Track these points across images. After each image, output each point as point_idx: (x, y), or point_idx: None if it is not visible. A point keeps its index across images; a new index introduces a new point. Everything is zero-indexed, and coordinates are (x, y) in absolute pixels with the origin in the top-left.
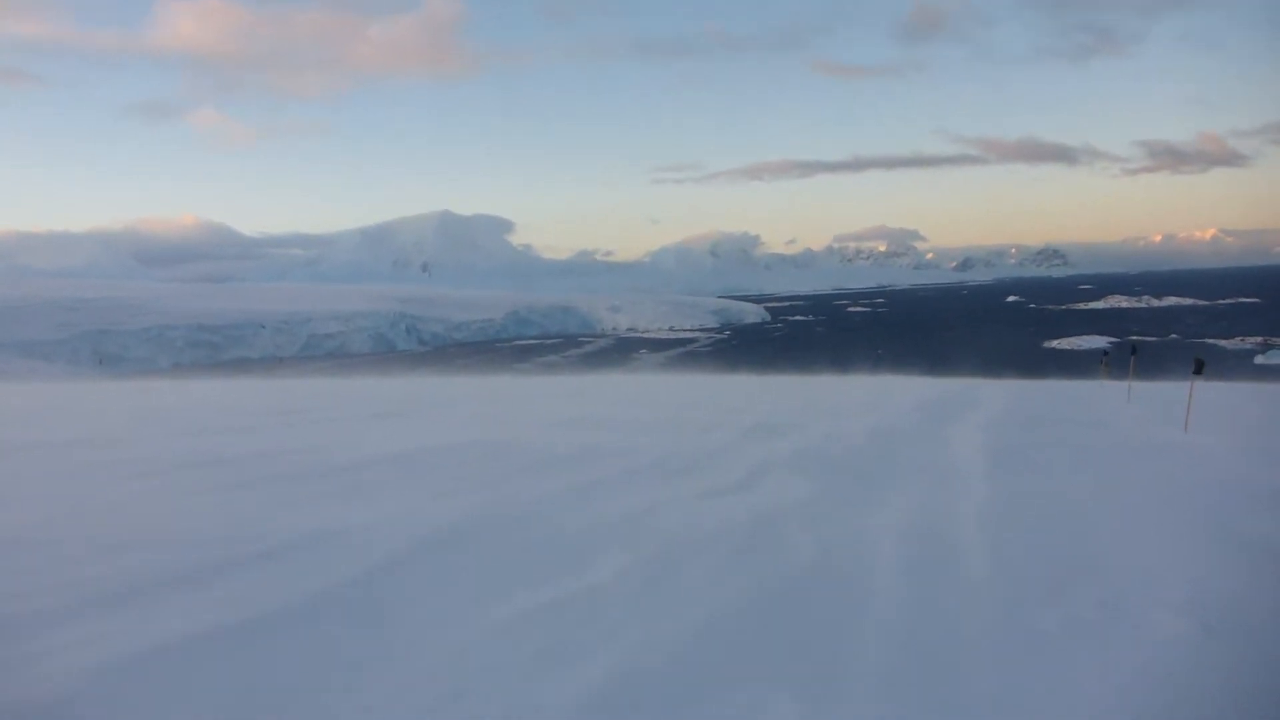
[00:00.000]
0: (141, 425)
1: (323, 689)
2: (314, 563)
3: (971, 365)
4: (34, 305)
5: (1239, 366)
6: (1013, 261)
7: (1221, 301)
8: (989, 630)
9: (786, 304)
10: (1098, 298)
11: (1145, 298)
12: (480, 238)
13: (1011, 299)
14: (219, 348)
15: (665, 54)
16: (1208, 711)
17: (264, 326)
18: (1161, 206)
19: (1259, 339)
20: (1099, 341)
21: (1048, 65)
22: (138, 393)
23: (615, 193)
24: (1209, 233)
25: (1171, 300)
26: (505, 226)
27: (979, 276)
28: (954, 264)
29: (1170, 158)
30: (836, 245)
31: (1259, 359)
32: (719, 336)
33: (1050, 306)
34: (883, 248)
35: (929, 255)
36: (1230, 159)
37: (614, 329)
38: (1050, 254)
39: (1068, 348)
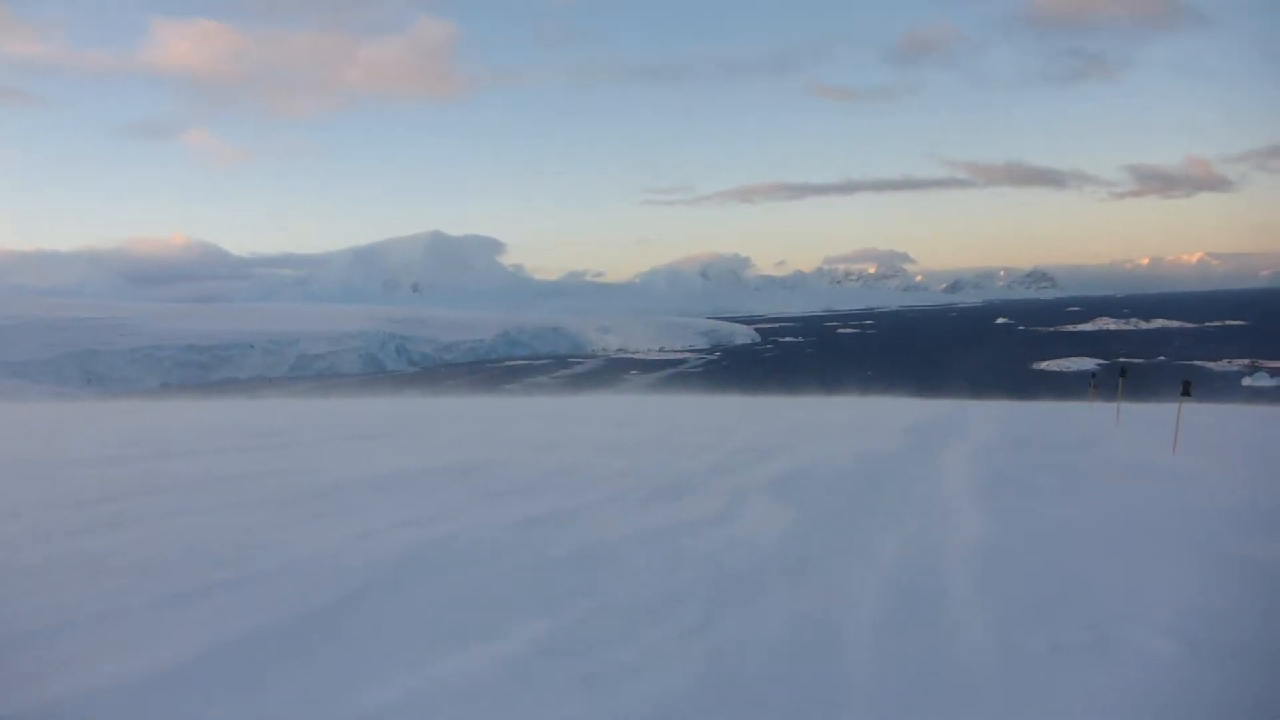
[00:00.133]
0: (130, 446)
1: None
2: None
3: (961, 387)
4: (22, 324)
5: (1226, 389)
6: (1001, 284)
7: (1209, 324)
8: (977, 653)
9: (776, 325)
10: (1086, 320)
11: (1133, 320)
12: (471, 258)
13: (1000, 321)
14: (208, 368)
15: (657, 77)
16: None
17: (253, 347)
18: (1149, 230)
19: (1246, 361)
20: (1087, 363)
21: (1036, 90)
22: (125, 413)
23: (606, 214)
24: (1196, 256)
25: (1159, 323)
26: (496, 247)
27: (968, 298)
28: (943, 286)
29: (1158, 182)
30: (826, 267)
31: (1246, 381)
32: (709, 358)
33: (1039, 328)
34: (872, 270)
35: (918, 277)
36: (1217, 184)
37: (604, 350)
38: (1039, 276)
39: (1057, 369)
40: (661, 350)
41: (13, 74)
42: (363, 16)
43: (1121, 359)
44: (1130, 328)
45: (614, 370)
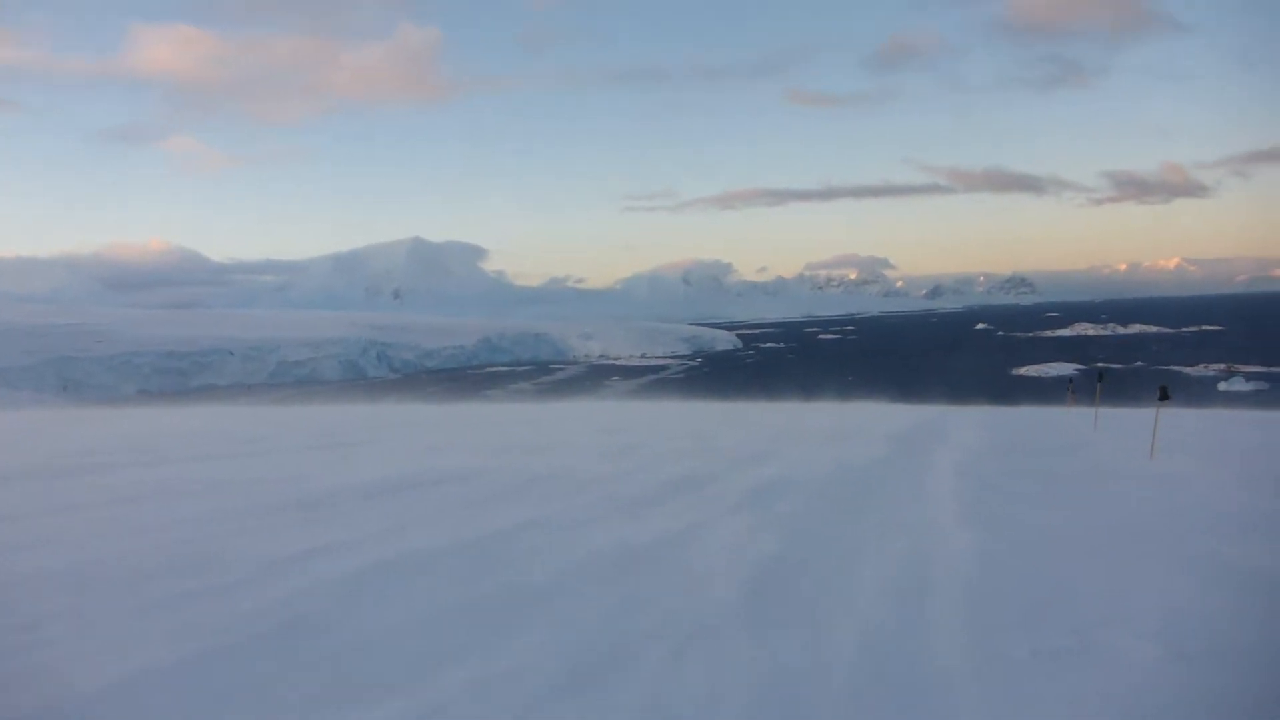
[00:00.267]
0: (107, 454)
1: None
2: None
3: (942, 392)
4: None
5: (1203, 393)
6: (981, 289)
7: (1185, 329)
8: (962, 659)
9: (758, 331)
10: (1065, 325)
11: (1111, 325)
12: (453, 264)
13: (980, 326)
14: (186, 374)
15: (640, 83)
16: None
17: (232, 353)
18: (1127, 236)
19: (1222, 366)
20: (1066, 369)
21: (1015, 96)
22: (102, 420)
23: (588, 220)
24: (1173, 261)
25: (1137, 328)
26: (478, 253)
27: (948, 304)
28: (923, 292)
29: (1135, 188)
30: (808, 273)
31: (1222, 386)
32: (691, 364)
33: (1018, 334)
34: (853, 276)
35: (899, 283)
36: (1193, 190)
37: (586, 356)
38: (1018, 282)
39: (1036, 374)
40: (643, 356)
41: None
42: (346, 21)
43: (1100, 364)
44: (1108, 333)
45: (596, 376)
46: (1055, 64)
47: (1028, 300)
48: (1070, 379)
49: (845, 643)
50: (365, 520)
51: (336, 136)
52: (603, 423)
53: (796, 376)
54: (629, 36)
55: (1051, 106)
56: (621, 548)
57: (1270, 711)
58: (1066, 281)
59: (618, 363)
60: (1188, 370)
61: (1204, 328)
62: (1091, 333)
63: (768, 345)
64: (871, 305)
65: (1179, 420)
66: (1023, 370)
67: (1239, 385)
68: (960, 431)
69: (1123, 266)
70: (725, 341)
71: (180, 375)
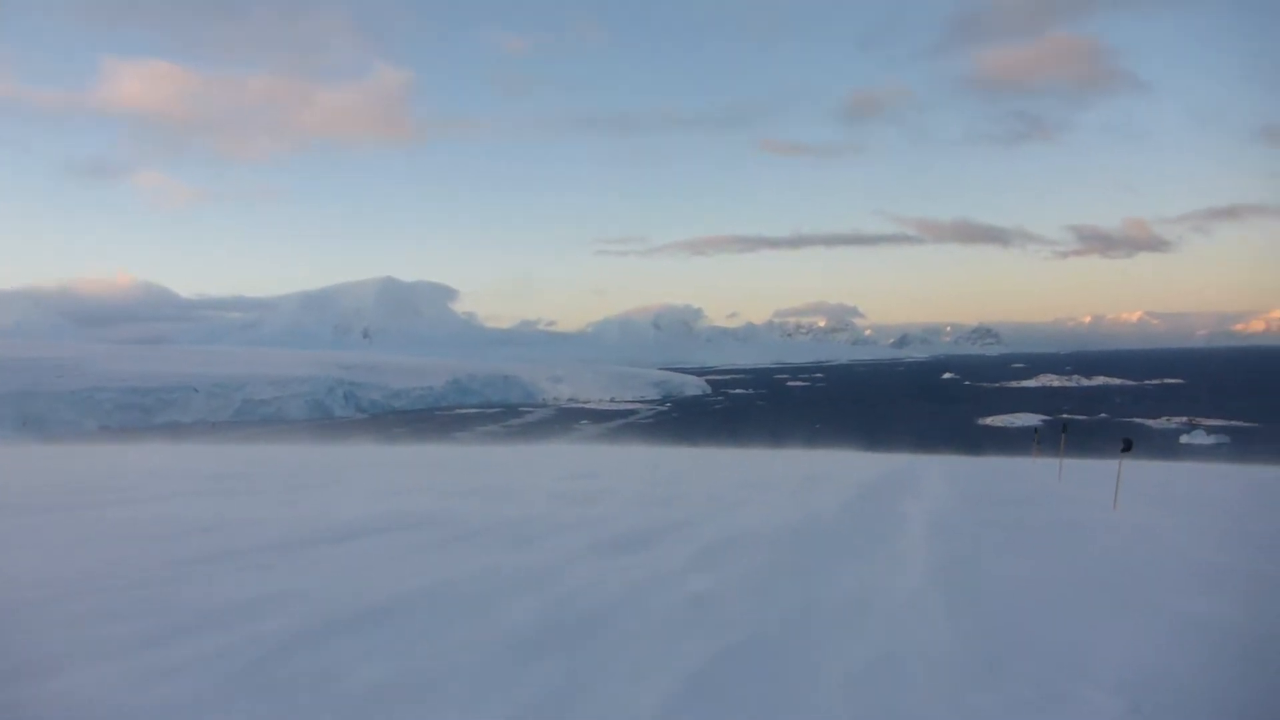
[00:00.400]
0: (61, 493)
1: None
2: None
3: (909, 441)
4: None
5: (1165, 445)
6: (948, 339)
7: (1148, 382)
8: (928, 711)
9: (727, 377)
10: (1030, 376)
11: (1075, 377)
12: (423, 305)
13: (947, 376)
14: (150, 411)
15: (613, 129)
16: None
17: (197, 390)
18: (1091, 289)
19: (1184, 419)
20: (1031, 419)
21: (982, 150)
22: (58, 457)
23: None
24: (1136, 315)
25: (1101, 380)
26: (448, 294)
27: (915, 353)
28: (891, 340)
29: (1099, 242)
30: (777, 320)
31: (1184, 438)
32: (660, 408)
33: (984, 384)
34: (822, 323)
35: (867, 331)
36: (1156, 244)
37: (555, 399)
38: (984, 333)
39: (1001, 425)
40: (613, 400)
41: None
42: (320, 61)
43: (1064, 415)
44: (1073, 384)
45: (565, 420)
46: (1021, 120)
47: (994, 351)
48: (1035, 429)
49: (813, 687)
50: (322, 566)
51: (308, 175)
52: (571, 467)
53: (766, 423)
54: (604, 84)
55: (1017, 161)
56: (561, 614)
57: None
58: (1032, 333)
59: (587, 406)
60: (1150, 423)
61: (1166, 381)
62: (1056, 384)
63: (737, 391)
64: (840, 353)
65: (1142, 472)
66: (989, 420)
67: (1201, 438)
68: (928, 481)
69: (1087, 319)
70: (695, 387)
71: (143, 412)
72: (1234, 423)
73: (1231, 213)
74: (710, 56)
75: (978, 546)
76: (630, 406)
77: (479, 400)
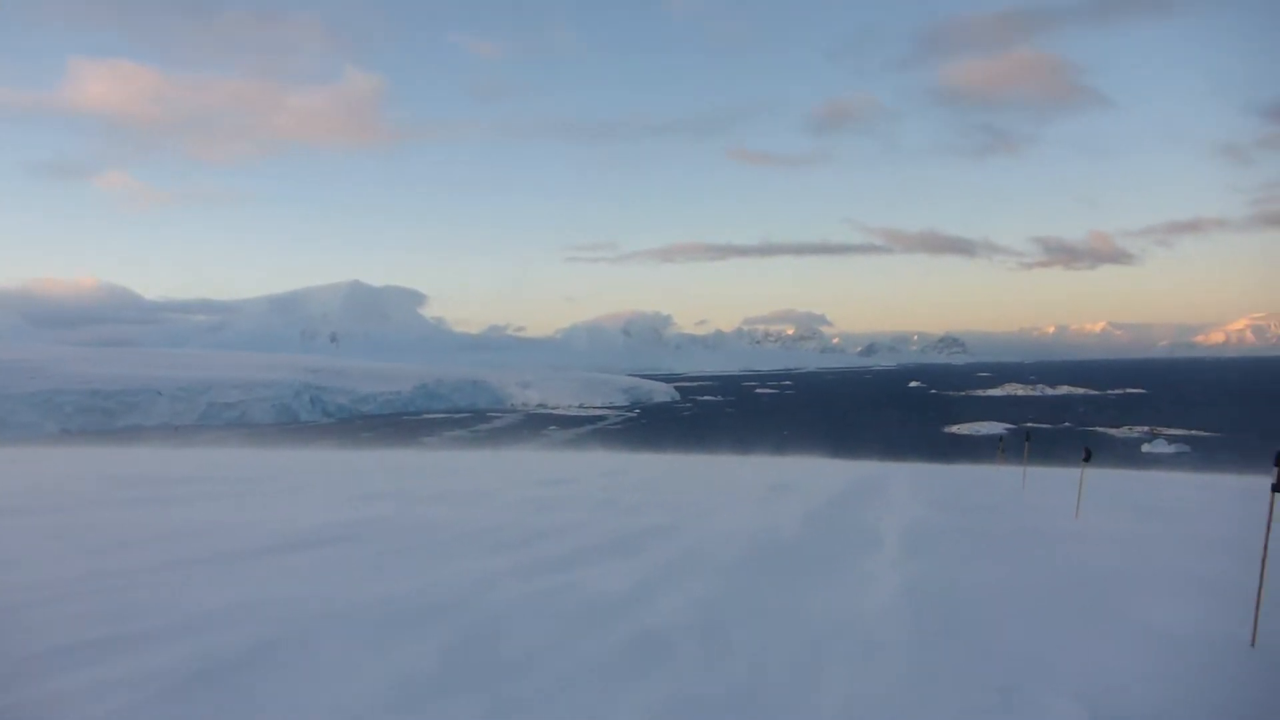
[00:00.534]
0: (17, 496)
1: None
2: None
3: (877, 448)
4: None
5: (1127, 454)
6: (915, 348)
7: (1111, 392)
8: (892, 714)
9: (696, 384)
10: (995, 385)
11: (1040, 386)
12: (391, 309)
13: (914, 384)
14: (112, 414)
15: (585, 136)
16: None
17: (161, 393)
18: (1055, 300)
19: (1145, 428)
20: (996, 428)
21: (949, 162)
22: (16, 460)
23: (529, 269)
24: (1099, 326)
25: (1064, 389)
26: (417, 299)
27: (883, 362)
28: (859, 349)
29: (1064, 254)
30: (746, 327)
31: (1145, 448)
32: (629, 415)
33: (951, 393)
34: (791, 331)
35: (835, 340)
36: (1119, 257)
37: (524, 405)
38: (950, 342)
39: (967, 433)
40: (581, 406)
41: None
42: (290, 65)
43: (1028, 424)
44: (1037, 394)
45: (533, 426)
46: (988, 132)
47: (960, 360)
48: (1000, 438)
49: (776, 682)
50: (280, 574)
51: (277, 178)
52: (538, 474)
53: (734, 430)
54: (575, 91)
55: (984, 173)
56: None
57: None
58: (997, 342)
59: (556, 412)
60: (1113, 432)
61: (1128, 390)
62: (1021, 393)
63: (706, 398)
64: (808, 361)
65: (1104, 480)
66: (954, 428)
67: (1161, 447)
68: (895, 489)
69: (1051, 329)
70: (663, 393)
71: (105, 415)
72: (1194, 432)
73: (1193, 226)
74: (681, 65)
75: (943, 554)
76: (599, 413)
77: (447, 405)
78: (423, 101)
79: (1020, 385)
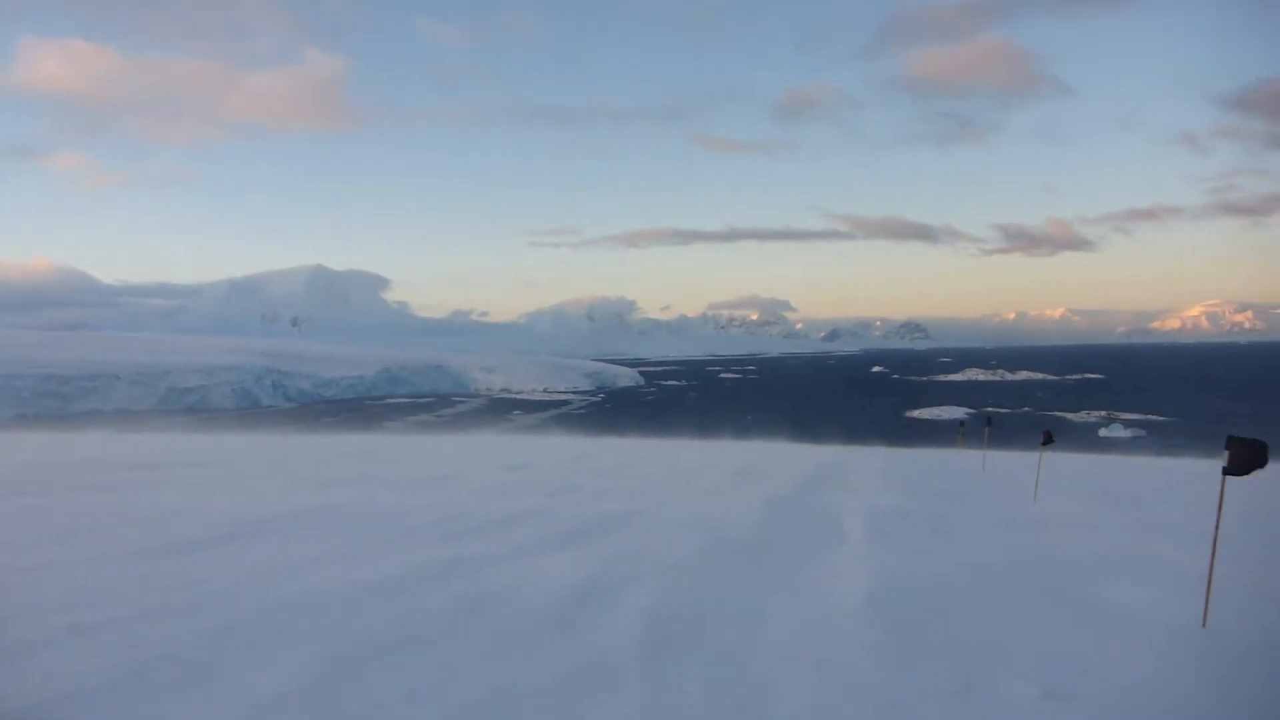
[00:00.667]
0: None
1: None
2: None
3: (839, 433)
4: None
5: (1085, 439)
6: (877, 334)
7: (1070, 377)
8: (851, 700)
9: (660, 369)
10: (956, 370)
11: (1000, 371)
12: (354, 294)
13: (876, 369)
14: (68, 399)
15: (549, 121)
16: None
17: (119, 378)
18: (1016, 286)
19: (1103, 413)
20: (957, 412)
21: (912, 149)
22: None
23: (493, 254)
24: (1059, 312)
25: (1025, 374)
26: (380, 283)
27: (846, 347)
28: (822, 334)
29: (1024, 240)
30: (710, 313)
31: (1103, 432)
32: (592, 399)
33: (913, 378)
34: (755, 316)
35: (799, 325)
36: (1078, 244)
37: (488, 389)
38: (913, 328)
39: (928, 418)
40: (545, 391)
41: None
42: (249, 47)
43: (989, 409)
44: (998, 379)
45: (497, 410)
46: (951, 120)
47: (922, 345)
48: (961, 422)
49: (737, 678)
50: (232, 562)
51: (236, 160)
52: (502, 459)
53: (698, 415)
54: (538, 77)
55: (946, 160)
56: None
57: None
58: (959, 328)
59: (520, 397)
60: (1071, 416)
61: (1087, 376)
62: (982, 378)
63: (670, 383)
64: (772, 346)
65: (1062, 464)
66: (916, 413)
67: (1118, 431)
68: (857, 475)
69: (1011, 315)
70: (628, 378)
71: (61, 400)
72: (1150, 417)
73: (1150, 214)
74: (646, 51)
75: (904, 540)
76: (563, 397)
77: (410, 390)
78: (385, 86)
79: (981, 370)
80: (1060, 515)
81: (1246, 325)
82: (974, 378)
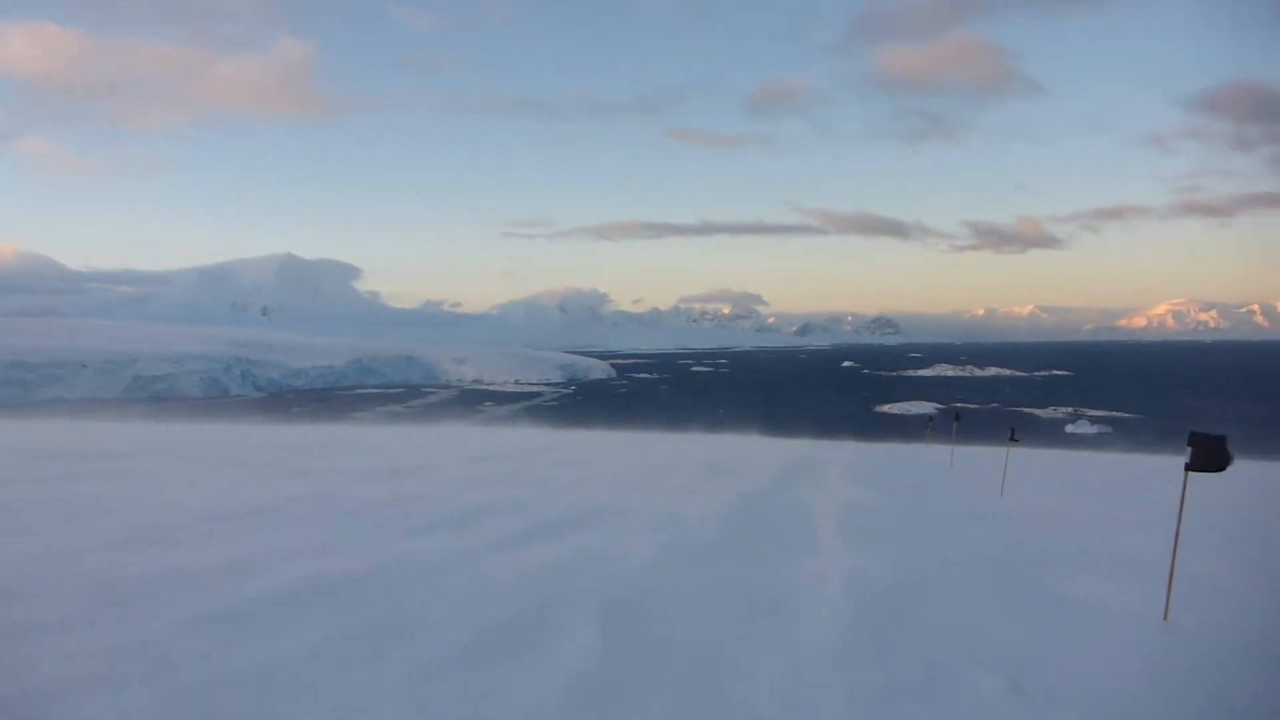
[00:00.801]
0: None
1: None
2: None
3: (810, 427)
4: None
5: (1052, 434)
6: (849, 328)
7: (1037, 373)
8: (818, 692)
9: (632, 361)
10: (926, 366)
11: (969, 367)
12: (325, 283)
13: (847, 364)
14: (33, 386)
15: (523, 112)
16: None
17: (85, 365)
18: (985, 283)
19: (1070, 409)
20: (926, 407)
21: (884, 145)
22: None
23: (466, 245)
24: (1028, 309)
25: (993, 370)
26: (351, 273)
27: (817, 341)
28: (794, 328)
29: (994, 237)
30: (683, 306)
31: (1069, 428)
32: (564, 391)
33: (883, 372)
34: (727, 310)
35: (770, 319)
36: (1047, 241)
37: (459, 381)
38: (884, 323)
39: (898, 413)
40: (517, 382)
41: None
42: (220, 32)
43: (958, 404)
44: (966, 374)
45: (469, 401)
46: (923, 117)
47: (892, 340)
48: (930, 417)
49: (705, 669)
50: (203, 557)
51: (206, 147)
52: (472, 451)
53: (670, 408)
54: (513, 67)
55: (918, 157)
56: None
57: None
58: (929, 324)
59: (491, 388)
60: (1038, 412)
61: (1054, 372)
62: (951, 374)
63: (642, 375)
64: (744, 339)
65: (1029, 459)
66: (886, 408)
67: (1084, 428)
68: (827, 469)
69: (981, 311)
70: (600, 370)
71: (25, 388)
72: (1116, 413)
73: (1118, 213)
74: (621, 44)
75: (872, 534)
76: (535, 389)
77: (381, 380)
78: (358, 74)
79: (950, 366)
80: (1027, 510)
81: (1211, 324)
82: (943, 373)
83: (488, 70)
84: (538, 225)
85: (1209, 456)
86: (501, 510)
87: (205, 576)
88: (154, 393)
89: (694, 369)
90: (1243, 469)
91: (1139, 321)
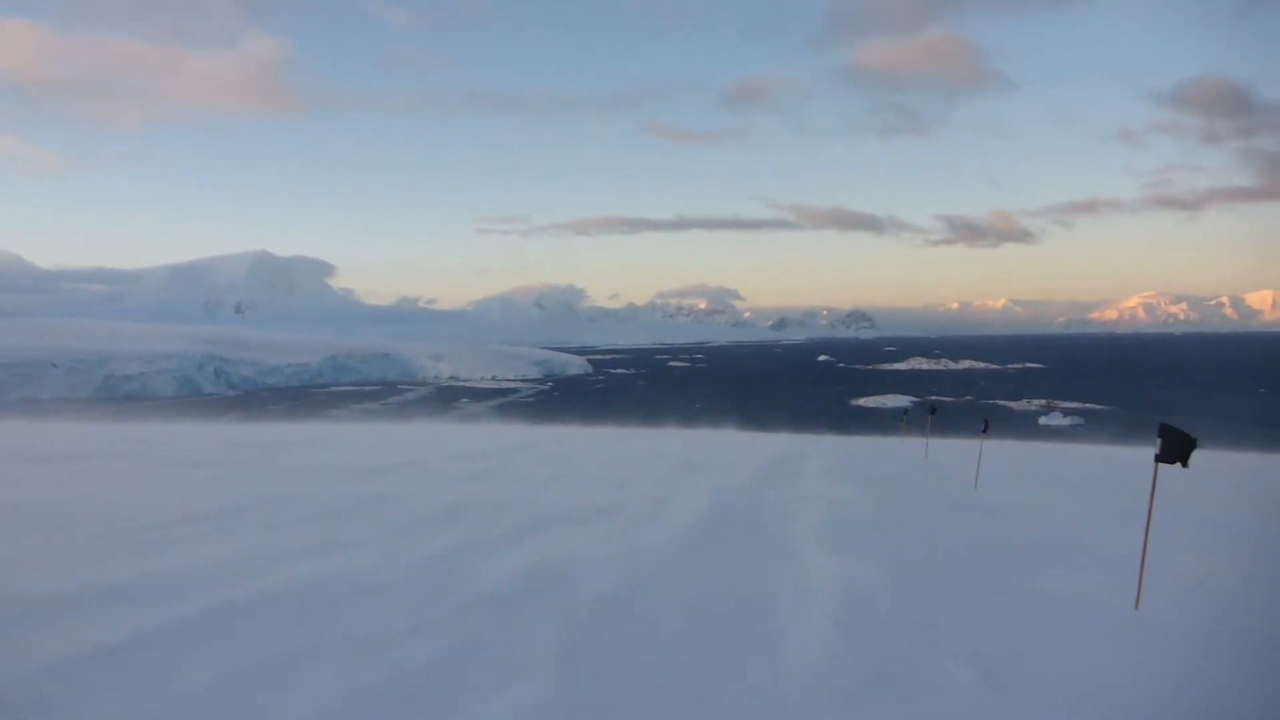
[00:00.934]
0: None
1: None
2: None
3: (786, 421)
4: None
5: (1025, 426)
6: (824, 323)
7: (1011, 366)
8: (792, 684)
9: (609, 357)
10: (901, 359)
11: (944, 360)
12: (299, 280)
13: (823, 358)
14: (3, 387)
15: (498, 108)
16: None
17: (55, 365)
18: (959, 276)
19: (1043, 401)
20: (901, 401)
21: (858, 140)
22: None
23: (441, 241)
24: (1001, 302)
25: (968, 363)
26: (326, 269)
27: (793, 335)
28: (769, 323)
29: (967, 231)
30: (659, 301)
31: (1042, 420)
32: (541, 387)
33: (858, 366)
34: (703, 305)
35: (746, 314)
36: (1020, 235)
37: (435, 377)
38: (859, 317)
39: (874, 406)
40: (494, 379)
41: None
42: (191, 27)
43: (932, 397)
44: (941, 368)
45: (445, 398)
46: (897, 113)
47: (867, 334)
48: (905, 411)
49: (692, 660)
50: (179, 560)
51: (177, 143)
52: (450, 449)
53: (647, 403)
54: (488, 63)
55: (892, 152)
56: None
57: None
58: (903, 318)
59: (468, 385)
60: (1012, 405)
61: (1028, 365)
62: (926, 367)
63: (618, 371)
64: (720, 334)
65: (1003, 451)
66: (862, 401)
67: (1057, 420)
68: (804, 463)
69: (955, 305)
70: (576, 366)
71: None
72: (1088, 405)
73: (1089, 207)
74: (596, 40)
75: (847, 525)
76: (512, 385)
77: (357, 378)
78: (331, 69)
79: (925, 359)
80: (1000, 502)
81: (1181, 316)
82: (918, 367)
83: (463, 66)
84: (514, 221)
85: (1179, 448)
86: (481, 508)
87: (188, 578)
88: (126, 392)
89: (670, 364)
90: (1213, 459)
91: (1111, 314)
